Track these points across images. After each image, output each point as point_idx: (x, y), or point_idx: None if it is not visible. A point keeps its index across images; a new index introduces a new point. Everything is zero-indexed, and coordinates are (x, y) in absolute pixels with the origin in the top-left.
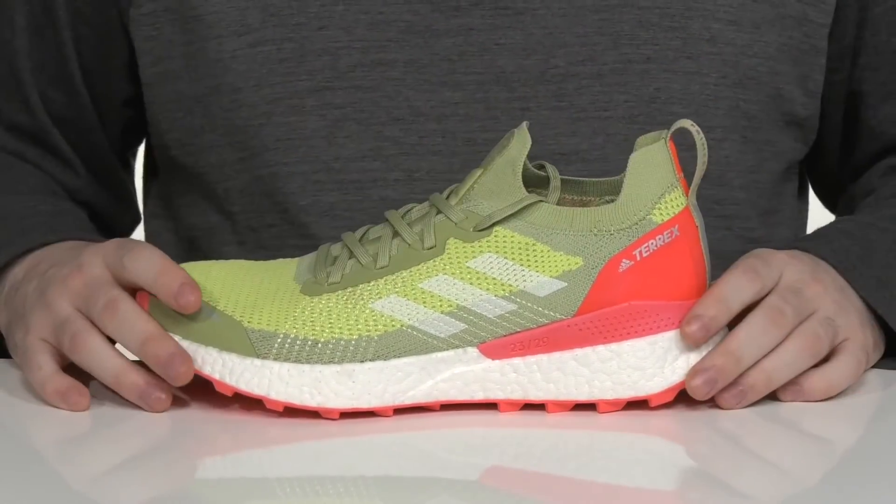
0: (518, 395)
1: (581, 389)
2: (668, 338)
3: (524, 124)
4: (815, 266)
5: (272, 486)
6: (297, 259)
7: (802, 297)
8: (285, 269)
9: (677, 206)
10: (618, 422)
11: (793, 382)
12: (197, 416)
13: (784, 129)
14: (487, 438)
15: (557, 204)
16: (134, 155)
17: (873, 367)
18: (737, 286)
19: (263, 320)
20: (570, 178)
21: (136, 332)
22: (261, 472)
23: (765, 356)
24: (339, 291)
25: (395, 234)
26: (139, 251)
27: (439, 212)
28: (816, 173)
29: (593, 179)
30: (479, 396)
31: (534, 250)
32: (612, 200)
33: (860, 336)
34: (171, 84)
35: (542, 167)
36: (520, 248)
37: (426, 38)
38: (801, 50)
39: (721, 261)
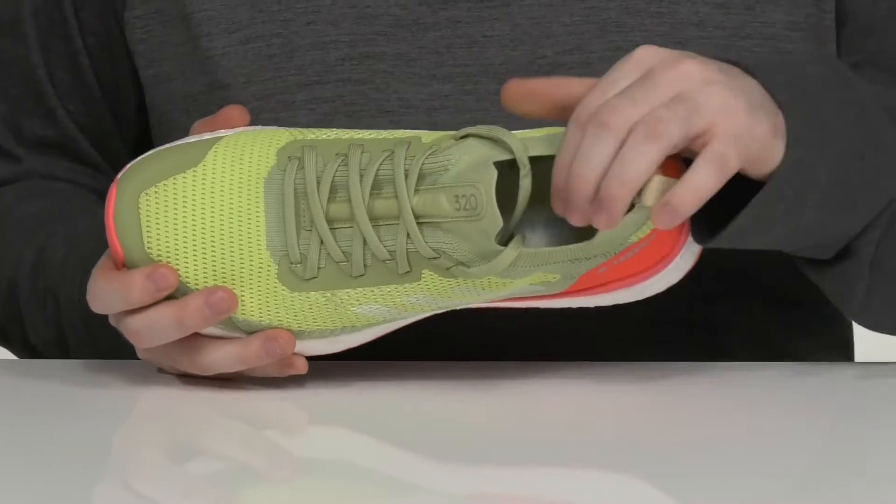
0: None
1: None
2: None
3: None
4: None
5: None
6: (262, 202)
7: (651, 79)
8: (254, 227)
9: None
10: (616, 422)
11: (663, 204)
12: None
13: None
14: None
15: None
16: None
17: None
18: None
19: (247, 311)
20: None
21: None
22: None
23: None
24: (319, 292)
25: (365, 241)
26: (92, 293)
27: (408, 237)
28: None
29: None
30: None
31: (510, 282)
32: None
33: (734, 121)
34: (166, 85)
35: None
36: (496, 283)
37: (413, 32)
38: (824, 27)
39: None
